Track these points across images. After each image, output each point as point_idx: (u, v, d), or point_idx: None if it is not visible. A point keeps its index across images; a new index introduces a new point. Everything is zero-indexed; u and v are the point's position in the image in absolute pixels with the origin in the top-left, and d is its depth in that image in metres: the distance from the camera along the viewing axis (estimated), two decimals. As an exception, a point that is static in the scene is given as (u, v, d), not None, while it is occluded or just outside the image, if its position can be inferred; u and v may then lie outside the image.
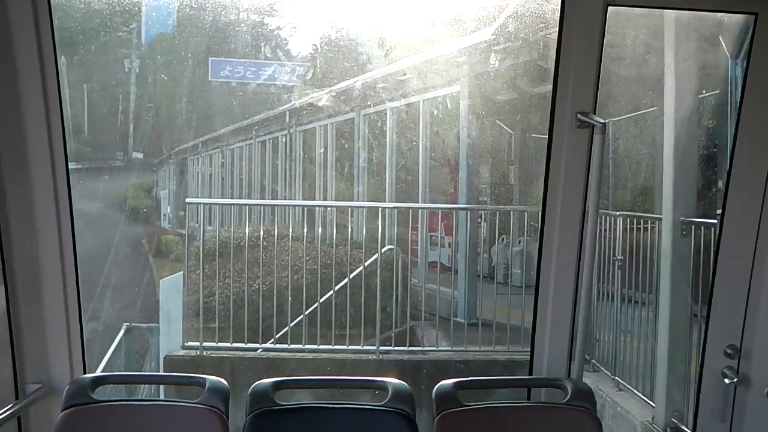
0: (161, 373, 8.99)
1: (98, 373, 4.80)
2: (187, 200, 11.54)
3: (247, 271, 9.72)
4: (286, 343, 9.62)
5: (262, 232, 9.93)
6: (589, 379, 8.48)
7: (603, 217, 9.04)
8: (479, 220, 11.42)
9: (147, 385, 7.88)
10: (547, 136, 4.24)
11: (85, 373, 4.28)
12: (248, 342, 9.59)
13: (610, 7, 4.11)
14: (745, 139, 4.18)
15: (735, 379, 4.23)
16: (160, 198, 13.90)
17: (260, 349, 9.62)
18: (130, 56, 12.24)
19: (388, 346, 9.82)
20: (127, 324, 9.83)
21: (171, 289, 10.11)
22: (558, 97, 4.12)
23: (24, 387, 4.19)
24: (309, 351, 9.62)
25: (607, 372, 8.89)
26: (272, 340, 9.68)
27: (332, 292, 9.77)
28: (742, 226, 4.23)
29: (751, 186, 4.19)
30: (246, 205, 11.90)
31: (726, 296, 4.28)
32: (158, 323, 10.12)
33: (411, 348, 9.88)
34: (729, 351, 4.26)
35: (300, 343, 9.64)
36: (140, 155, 12.75)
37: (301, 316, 9.73)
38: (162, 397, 7.37)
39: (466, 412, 3.96)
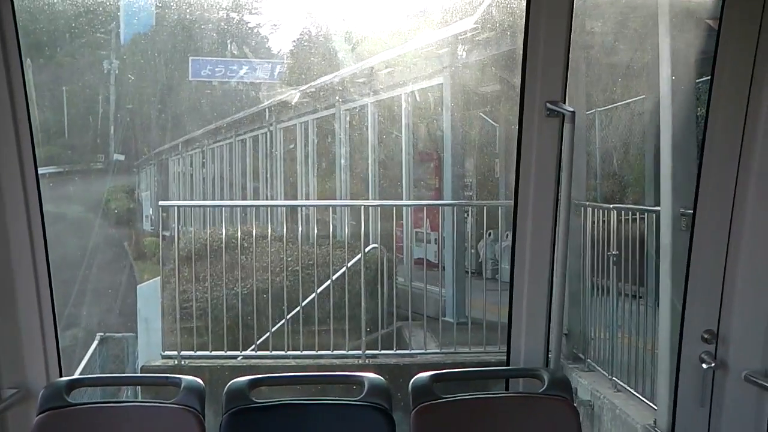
0: (136, 374, 8.89)
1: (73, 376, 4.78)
2: (160, 203, 11.43)
3: (226, 275, 9.50)
4: (268, 350, 9.41)
5: (239, 234, 9.73)
6: (584, 380, 8.42)
7: (596, 210, 8.91)
8: (466, 214, 11.35)
9: (124, 391, 7.80)
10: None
11: (61, 377, 4.30)
12: (228, 349, 9.38)
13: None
14: (717, 126, 4.22)
15: (713, 364, 4.26)
16: (141, 199, 13.90)
17: (240, 357, 9.43)
18: (109, 57, 12.25)
19: (375, 349, 9.61)
20: (101, 334, 9.53)
21: (149, 294, 9.82)
22: (527, 87, 4.15)
23: (0, 392, 4.19)
24: (292, 357, 9.42)
25: (604, 372, 8.57)
26: (253, 346, 9.46)
27: (314, 294, 9.57)
28: (715, 212, 4.26)
29: (723, 171, 4.22)
30: (222, 206, 11.88)
31: (702, 281, 4.31)
32: (136, 331, 9.88)
33: (398, 351, 9.69)
34: (706, 336, 4.29)
35: (282, 349, 9.43)
36: (122, 157, 12.77)
37: (283, 321, 9.53)
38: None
39: (443, 404, 3.99)
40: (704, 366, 4.28)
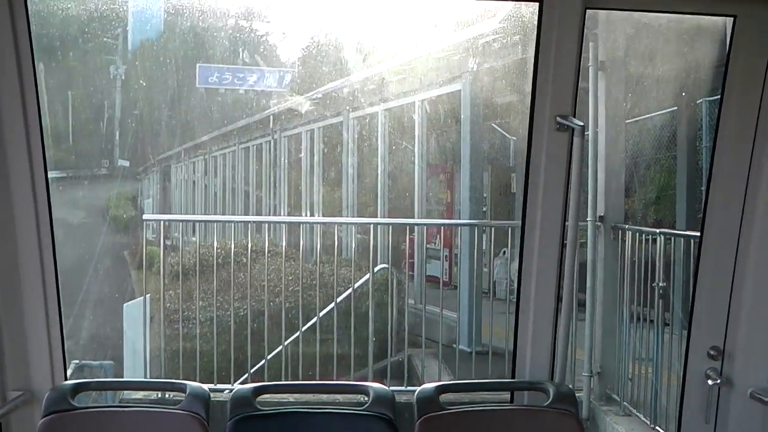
0: (143, 379, 8.78)
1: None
2: (144, 217, 11.21)
3: (220, 295, 9.12)
4: (263, 382, 8.25)
5: (233, 251, 9.25)
6: (621, 427, 8.08)
7: (636, 234, 8.38)
8: (483, 233, 10.96)
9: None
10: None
11: (66, 380, 4.48)
12: (219, 378, 8.89)
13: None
14: (725, 143, 4.40)
15: (718, 381, 4.43)
16: (144, 207, 14.06)
17: (226, 391, 8.42)
18: (116, 62, 12.48)
19: (383, 382, 8.23)
20: (77, 361, 9.00)
21: (137, 314, 9.23)
22: (537, 100, 4.32)
23: (5, 394, 4.36)
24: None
25: (644, 419, 8.00)
26: (246, 375, 9.00)
27: (317, 318, 9.19)
28: (723, 228, 4.44)
29: (731, 188, 4.41)
30: (213, 221, 11.70)
31: (708, 298, 4.49)
32: (122, 355, 9.46)
33: (409, 388, 8.73)
34: (712, 352, 4.47)
35: (279, 380, 8.89)
36: (126, 163, 12.99)
37: (280, 347, 9.18)
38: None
39: (448, 415, 4.16)
40: (710, 382, 4.44)
